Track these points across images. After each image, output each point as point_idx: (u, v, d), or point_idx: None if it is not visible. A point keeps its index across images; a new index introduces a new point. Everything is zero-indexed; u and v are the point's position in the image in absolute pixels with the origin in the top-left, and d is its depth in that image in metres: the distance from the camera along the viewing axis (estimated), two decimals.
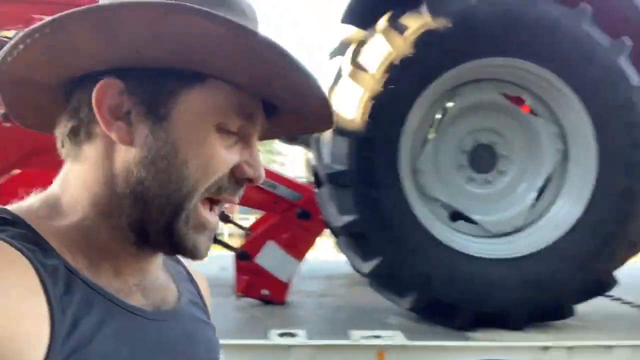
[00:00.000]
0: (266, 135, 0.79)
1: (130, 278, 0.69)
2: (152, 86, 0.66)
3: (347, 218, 2.98)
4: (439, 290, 2.98)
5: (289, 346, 2.63)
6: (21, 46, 0.62)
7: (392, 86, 2.93)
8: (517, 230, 3.19)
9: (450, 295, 2.98)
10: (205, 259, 0.70)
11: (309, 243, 3.86)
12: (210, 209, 0.69)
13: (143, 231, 0.67)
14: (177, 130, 0.66)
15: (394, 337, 2.81)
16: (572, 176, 3.17)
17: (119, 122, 0.66)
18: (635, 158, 3.01)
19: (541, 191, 3.24)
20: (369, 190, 2.96)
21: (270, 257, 3.61)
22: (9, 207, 0.67)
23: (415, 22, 2.98)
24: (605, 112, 3.04)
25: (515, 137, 3.27)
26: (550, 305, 3.01)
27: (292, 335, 2.73)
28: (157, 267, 0.75)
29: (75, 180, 0.68)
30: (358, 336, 2.66)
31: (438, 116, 3.28)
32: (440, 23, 2.93)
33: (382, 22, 3.08)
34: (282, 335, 2.73)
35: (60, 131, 0.69)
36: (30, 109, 0.74)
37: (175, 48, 0.63)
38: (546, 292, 2.99)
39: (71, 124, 0.68)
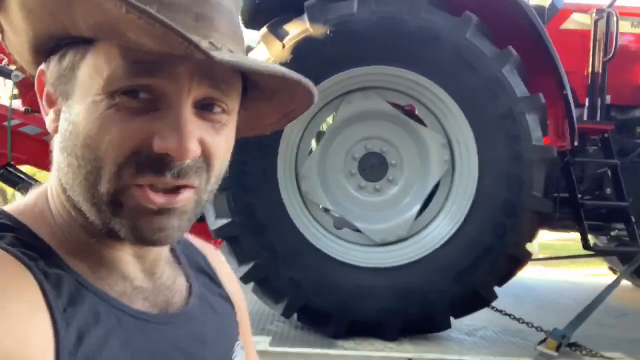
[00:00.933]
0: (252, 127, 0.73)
1: (133, 280, 0.65)
2: (56, 66, 0.61)
3: (221, 222, 2.99)
4: (310, 297, 2.97)
5: None
6: None
7: None
8: (400, 240, 3.16)
9: (319, 303, 2.97)
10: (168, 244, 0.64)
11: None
12: (147, 187, 0.58)
13: (92, 223, 0.61)
14: (76, 105, 0.59)
15: (258, 343, 2.82)
16: (456, 187, 3.13)
17: (47, 110, 0.63)
18: (515, 171, 2.97)
19: (428, 202, 3.21)
20: (243, 195, 2.97)
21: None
22: (6, 208, 0.64)
23: (296, 29, 2.99)
24: (487, 123, 3.00)
25: (405, 147, 3.24)
26: (423, 317, 2.97)
27: None
28: (162, 266, 0.69)
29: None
30: None
31: (325, 123, 3.28)
32: (319, 30, 2.94)
33: (264, 28, 3.11)
34: None
35: None
36: None
37: (43, 16, 0.57)
38: (418, 303, 2.95)
39: None
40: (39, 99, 0.64)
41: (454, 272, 2.97)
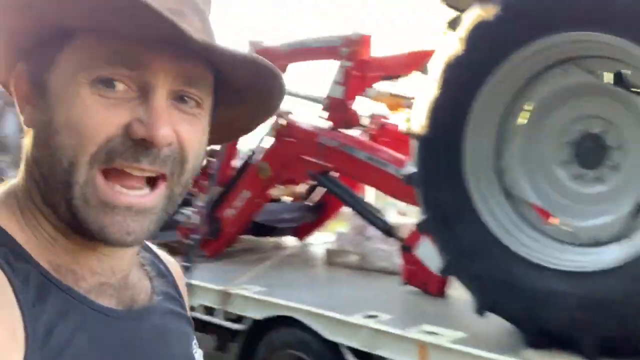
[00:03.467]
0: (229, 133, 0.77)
1: (100, 277, 0.66)
2: (36, 58, 0.63)
3: (421, 218, 3.11)
4: (496, 297, 2.76)
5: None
6: None
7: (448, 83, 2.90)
8: (610, 241, 2.55)
9: (506, 305, 2.73)
10: (134, 244, 0.64)
11: None
12: (118, 183, 0.61)
13: (61, 219, 0.63)
14: (51, 97, 0.60)
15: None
16: None
17: (26, 106, 0.63)
18: None
19: None
20: (431, 189, 3.01)
21: (426, 251, 3.85)
22: None
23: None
24: None
25: (626, 124, 2.60)
26: (621, 334, 2.36)
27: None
28: (129, 264, 0.71)
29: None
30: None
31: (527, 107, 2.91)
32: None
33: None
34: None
35: None
36: None
37: (22, 9, 0.59)
38: (616, 317, 2.36)
39: None
40: (15, 98, 0.64)
41: None
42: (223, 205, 5.11)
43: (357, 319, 3.22)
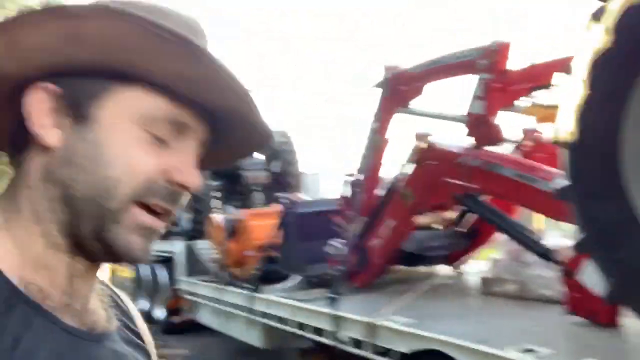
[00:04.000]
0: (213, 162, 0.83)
1: (65, 297, 0.68)
2: (81, 88, 0.67)
3: (578, 237, 2.72)
4: None
5: None
6: None
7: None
8: None
9: None
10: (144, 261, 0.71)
11: None
12: (151, 213, 0.69)
13: (74, 236, 0.67)
14: (102, 131, 0.66)
15: None
16: None
17: (49, 126, 0.67)
18: None
19: None
20: (588, 205, 2.63)
21: (591, 274, 3.38)
22: None
23: None
24: None
25: None
26: None
27: None
28: (90, 291, 0.74)
29: (9, 187, 0.69)
30: None
31: None
32: None
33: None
34: None
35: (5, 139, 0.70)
36: None
37: (95, 50, 0.65)
38: None
39: (10, 135, 0.69)
40: (34, 114, 0.67)
41: None
42: (369, 236, 5.01)
43: (512, 353, 2.90)
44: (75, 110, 0.67)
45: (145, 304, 10.78)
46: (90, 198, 0.66)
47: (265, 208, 8.51)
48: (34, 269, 0.66)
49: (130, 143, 0.67)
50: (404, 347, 3.60)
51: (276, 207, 6.34)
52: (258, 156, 9.85)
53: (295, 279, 6.05)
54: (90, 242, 0.67)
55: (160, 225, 0.70)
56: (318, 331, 4.63)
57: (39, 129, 0.67)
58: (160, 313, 9.84)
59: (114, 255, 0.69)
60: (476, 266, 5.32)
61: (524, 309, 4.00)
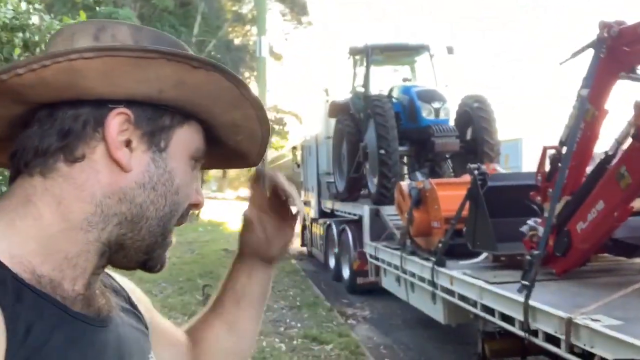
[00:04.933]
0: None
1: (77, 288, 0.72)
2: (153, 119, 0.74)
3: None
4: None
5: None
6: (48, 62, 0.64)
7: None
8: None
9: None
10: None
11: None
12: None
13: (120, 247, 0.74)
14: (172, 160, 0.76)
15: None
16: None
17: (123, 148, 0.72)
18: None
19: None
20: None
21: None
22: None
23: None
24: None
25: None
26: None
27: None
28: (98, 281, 0.79)
29: (46, 194, 0.70)
30: None
31: None
32: None
33: None
34: None
35: (32, 147, 0.70)
36: None
37: (189, 94, 0.73)
38: None
39: (59, 143, 0.70)
40: (108, 129, 0.71)
41: None
42: (574, 218, 4.42)
43: None
44: (151, 138, 0.75)
45: (332, 262, 11.16)
46: (161, 219, 0.76)
47: (456, 178, 8.12)
48: (54, 266, 0.69)
49: (188, 172, 0.80)
50: (608, 353, 3.10)
51: (467, 178, 5.94)
52: (452, 122, 9.39)
53: (482, 256, 5.66)
54: (137, 255, 0.77)
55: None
56: (506, 318, 4.26)
57: (115, 150, 0.72)
58: (346, 272, 10.09)
59: (150, 267, 0.80)
60: None
61: None
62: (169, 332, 1.03)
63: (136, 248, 0.76)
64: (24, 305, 0.64)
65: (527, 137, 12.70)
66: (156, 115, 0.75)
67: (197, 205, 0.83)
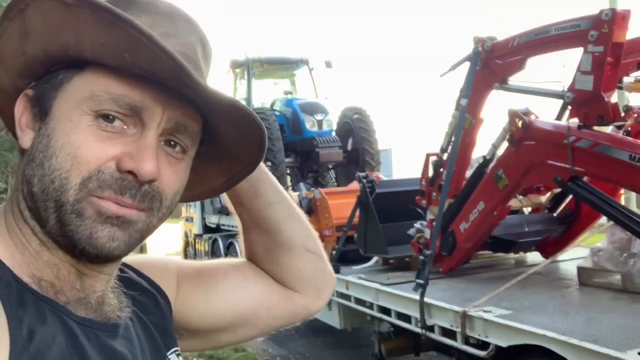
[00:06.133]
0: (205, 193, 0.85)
1: (78, 292, 0.69)
2: (46, 86, 0.67)
3: None
4: None
5: None
6: None
7: None
8: None
9: None
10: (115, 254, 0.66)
11: None
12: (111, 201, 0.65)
13: (49, 234, 0.66)
14: (53, 121, 0.65)
15: None
16: None
17: (25, 129, 0.68)
18: None
19: None
20: None
21: None
22: None
23: None
24: None
25: None
26: None
27: None
28: (106, 285, 0.74)
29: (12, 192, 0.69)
30: None
31: None
32: None
33: None
34: None
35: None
36: None
37: (42, 39, 0.64)
38: None
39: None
40: (17, 119, 0.69)
41: None
42: (457, 219, 4.75)
43: (633, 356, 2.62)
44: (41, 108, 0.67)
45: None
46: (44, 192, 0.65)
47: (343, 187, 8.35)
48: (40, 266, 0.67)
49: (75, 131, 0.64)
50: (501, 341, 3.36)
51: (355, 186, 6.15)
52: (333, 133, 9.67)
53: (373, 260, 5.88)
54: (59, 239, 0.66)
55: (132, 213, 0.66)
56: (401, 316, 4.46)
57: (18, 133, 0.69)
58: None
59: (82, 249, 0.65)
60: (572, 254, 4.96)
61: (632, 304, 3.66)
62: (220, 271, 1.00)
63: (53, 231, 0.66)
64: (27, 310, 0.62)
65: (395, 148, 13.89)
66: (47, 81, 0.68)
67: (134, 174, 0.65)
